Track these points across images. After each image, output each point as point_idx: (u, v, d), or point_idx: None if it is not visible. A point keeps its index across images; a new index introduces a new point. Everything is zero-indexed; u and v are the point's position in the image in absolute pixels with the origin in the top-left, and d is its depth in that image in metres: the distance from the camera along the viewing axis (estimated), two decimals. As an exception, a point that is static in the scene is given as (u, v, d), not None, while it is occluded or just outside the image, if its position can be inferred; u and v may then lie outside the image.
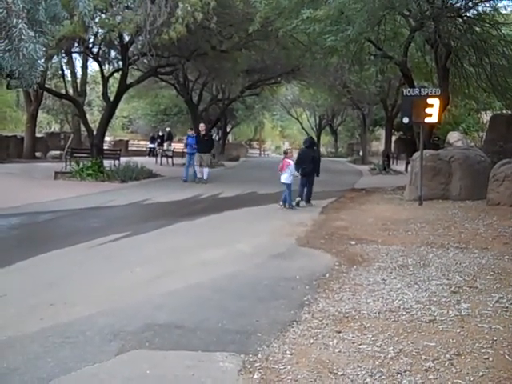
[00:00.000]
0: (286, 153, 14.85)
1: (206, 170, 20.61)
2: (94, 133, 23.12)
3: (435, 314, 5.60)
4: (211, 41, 21.83)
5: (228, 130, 47.06)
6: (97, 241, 9.45)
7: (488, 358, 4.50)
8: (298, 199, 14.31)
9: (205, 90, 34.82)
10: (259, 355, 4.62)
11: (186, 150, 22.64)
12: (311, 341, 4.94)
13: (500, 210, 12.25)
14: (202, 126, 21.64)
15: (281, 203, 13.83)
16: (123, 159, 22.85)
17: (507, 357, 4.54)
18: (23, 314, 5.61)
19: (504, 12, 19.81)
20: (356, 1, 14.24)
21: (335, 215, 12.81)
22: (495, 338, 4.91)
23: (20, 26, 9.31)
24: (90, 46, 23.10)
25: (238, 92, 34.89)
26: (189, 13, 16.55)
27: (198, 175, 20.53)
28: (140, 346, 4.77)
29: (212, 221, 12.12)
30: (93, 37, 21.63)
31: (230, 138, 56.07)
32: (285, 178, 13.81)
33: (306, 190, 14.53)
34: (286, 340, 4.97)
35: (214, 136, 36.29)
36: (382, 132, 43.21)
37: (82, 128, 29.18)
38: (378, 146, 50.04)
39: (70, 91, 30.86)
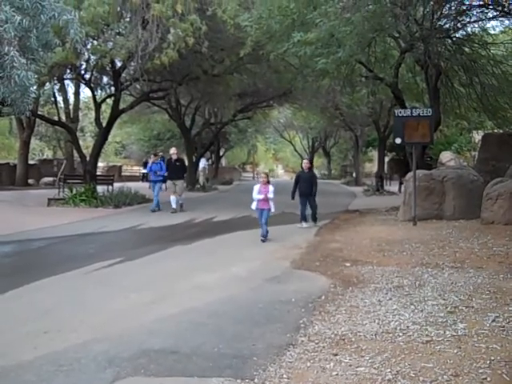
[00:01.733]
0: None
1: (173, 198, 18.46)
2: (87, 159, 23.14)
3: (432, 334, 5.57)
4: (203, 65, 21.95)
5: (221, 153, 47.18)
6: (91, 267, 9.40)
7: (486, 378, 4.47)
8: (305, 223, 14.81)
9: (197, 114, 34.93)
10: (256, 380, 4.58)
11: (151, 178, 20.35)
12: (308, 364, 4.90)
13: (494, 228, 12.25)
14: (172, 150, 19.80)
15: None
16: (116, 185, 22.83)
17: (505, 376, 4.51)
18: (17, 342, 5.55)
19: (492, 32, 20.08)
20: (346, 24, 14.34)
21: (330, 237, 12.79)
22: (493, 358, 4.88)
23: (12, 53, 9.38)
24: (82, 72, 23.20)
25: (231, 116, 34.99)
26: (180, 38, 16.68)
27: (173, 205, 18.44)
28: (135, 373, 4.72)
29: (206, 245, 12.09)
30: (85, 63, 21.72)
31: (224, 161, 56.17)
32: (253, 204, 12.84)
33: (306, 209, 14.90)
34: (283, 364, 4.93)
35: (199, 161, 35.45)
36: (374, 153, 43.38)
37: (75, 154, 29.19)
38: (372, 167, 50.27)
39: (63, 117, 30.97)
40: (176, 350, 5.26)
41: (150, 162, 20.50)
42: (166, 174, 19.11)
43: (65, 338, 5.63)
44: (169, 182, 19.12)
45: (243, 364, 4.94)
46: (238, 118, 37.15)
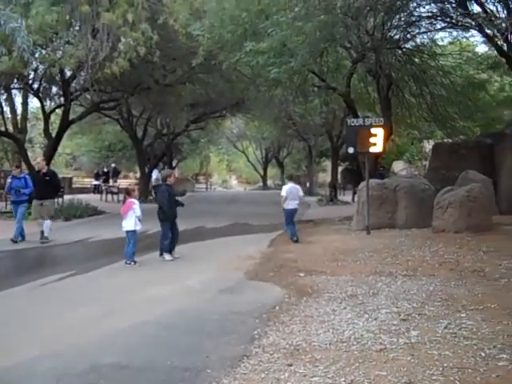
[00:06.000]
0: (128, 192, 11.62)
1: (46, 224, 13.96)
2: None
3: (386, 342, 5.56)
4: (154, 75, 21.79)
5: (174, 164, 46.87)
6: (40, 281, 9.16)
7: (439, 385, 4.47)
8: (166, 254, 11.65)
9: (149, 125, 34.58)
10: (209, 393, 4.48)
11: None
12: (262, 375, 4.83)
13: (445, 236, 12.40)
14: (39, 161, 15.24)
15: (128, 261, 10.74)
16: (67, 197, 22.45)
17: (457, 383, 4.51)
18: (-41, 360, 5.34)
19: (441, 43, 20.56)
20: (298, 33, 14.40)
21: (283, 247, 12.76)
22: (445, 365, 4.89)
23: (-45, 61, 9.10)
24: (30, 81, 22.76)
25: (183, 126, 34.75)
26: (131, 47, 16.46)
27: (45, 233, 13.91)
28: (84, 390, 4.57)
29: (158, 257, 11.90)
30: (33, 72, 21.32)
31: (176, 172, 55.84)
32: (129, 223, 11.07)
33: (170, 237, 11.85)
34: (237, 376, 4.84)
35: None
36: (328, 163, 43.71)
37: (24, 166, 28.55)
38: (325, 177, 50.55)
39: (10, 128, 30.23)
40: (127, 365, 5.12)
41: (10, 177, 15.02)
42: (30, 192, 14.38)
43: (11, 355, 5.43)
44: (34, 203, 14.26)
45: (196, 377, 4.84)
46: (190, 129, 36.99)
